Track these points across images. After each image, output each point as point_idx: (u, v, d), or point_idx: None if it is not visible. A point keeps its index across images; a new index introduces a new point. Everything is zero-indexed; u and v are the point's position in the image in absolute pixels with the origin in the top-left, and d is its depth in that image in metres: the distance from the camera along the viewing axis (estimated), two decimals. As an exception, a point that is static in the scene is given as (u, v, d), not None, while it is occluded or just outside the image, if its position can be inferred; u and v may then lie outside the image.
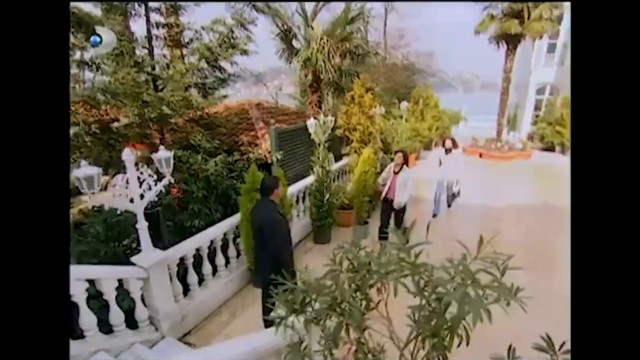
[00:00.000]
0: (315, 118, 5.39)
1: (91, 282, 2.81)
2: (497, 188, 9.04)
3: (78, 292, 2.67)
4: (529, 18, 11.35)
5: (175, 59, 6.30)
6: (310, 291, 1.37)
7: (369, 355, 1.45)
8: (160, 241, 3.53)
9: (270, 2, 7.90)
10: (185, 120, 6.05)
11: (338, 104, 10.02)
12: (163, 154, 3.20)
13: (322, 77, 8.29)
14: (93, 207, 4.76)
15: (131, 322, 3.18)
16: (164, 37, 6.21)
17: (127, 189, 3.00)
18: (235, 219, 4.25)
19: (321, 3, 9.39)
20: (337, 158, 7.63)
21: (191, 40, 6.43)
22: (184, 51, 6.64)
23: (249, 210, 4.02)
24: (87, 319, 2.78)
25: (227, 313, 3.95)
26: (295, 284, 1.44)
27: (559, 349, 1.04)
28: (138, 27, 5.99)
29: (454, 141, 6.53)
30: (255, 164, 4.73)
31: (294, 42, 8.80)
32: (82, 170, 2.54)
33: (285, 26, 8.38)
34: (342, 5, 8.50)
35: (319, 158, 5.45)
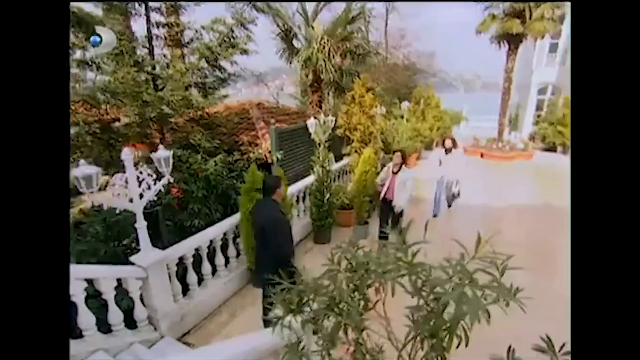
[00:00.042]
0: (315, 118, 5.38)
1: (90, 281, 2.80)
2: (498, 188, 9.01)
3: (76, 291, 2.67)
4: (530, 18, 11.32)
5: (176, 58, 6.29)
6: (308, 291, 1.36)
7: (367, 356, 1.44)
8: (159, 241, 3.52)
9: (271, 2, 7.90)
10: (185, 120, 6.05)
11: (339, 103, 10.01)
12: (162, 154, 3.20)
13: (322, 77, 8.28)
14: (93, 206, 4.77)
15: (130, 322, 3.18)
16: (164, 36, 6.21)
17: (127, 188, 2.99)
18: (235, 218, 4.24)
19: (322, 3, 9.40)
20: (338, 158, 7.61)
21: (191, 39, 6.43)
22: (184, 51, 6.64)
23: (248, 210, 4.02)
24: (86, 318, 2.77)
25: (226, 313, 3.94)
26: (293, 283, 1.43)
27: (559, 351, 1.03)
28: (138, 26, 6.01)
29: (454, 141, 6.50)
30: (255, 163, 4.73)
31: (295, 42, 8.79)
32: (81, 170, 2.54)
33: (285, 26, 8.38)
34: (343, 5, 8.50)
35: (319, 158, 5.44)
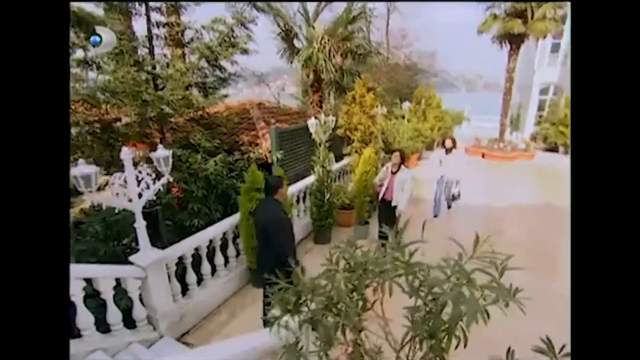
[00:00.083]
0: (316, 118, 5.37)
1: (88, 281, 2.80)
2: (500, 188, 8.98)
3: (75, 291, 2.66)
4: (532, 18, 11.27)
5: (176, 58, 6.29)
6: (305, 291, 1.35)
7: (366, 357, 1.43)
8: (158, 240, 3.51)
9: (272, 2, 7.89)
10: (186, 120, 6.05)
11: (339, 103, 10.00)
12: (161, 153, 3.19)
13: (323, 77, 8.27)
14: (94, 206, 4.77)
15: (129, 322, 3.17)
16: (165, 36, 6.21)
17: (126, 188, 2.99)
18: (234, 218, 4.23)
19: (323, 3, 9.39)
20: (338, 158, 7.60)
21: (192, 39, 6.43)
22: (185, 50, 6.64)
23: (248, 210, 4.01)
24: (84, 318, 2.76)
25: (226, 313, 3.93)
26: (291, 282, 1.42)
27: (559, 352, 1.01)
28: (138, 26, 6.01)
29: (454, 141, 6.46)
30: (256, 163, 4.72)
31: (296, 42, 8.78)
32: (79, 169, 2.53)
33: (286, 26, 8.37)
34: (344, 5, 8.48)
35: (319, 158, 5.42)
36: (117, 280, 3.01)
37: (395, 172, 4.83)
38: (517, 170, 10.84)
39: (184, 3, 6.25)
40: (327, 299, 1.37)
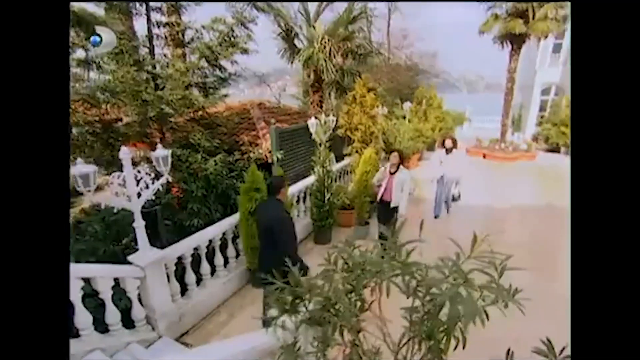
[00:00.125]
0: (316, 118, 5.36)
1: (87, 280, 2.79)
2: (501, 189, 8.95)
3: (73, 290, 2.65)
4: (533, 18, 11.23)
5: (176, 58, 6.29)
6: (302, 291, 1.33)
7: (364, 358, 1.41)
8: (157, 240, 3.50)
9: (272, 2, 7.89)
10: (186, 120, 6.05)
11: (340, 103, 9.98)
12: (161, 153, 3.19)
13: (323, 77, 8.26)
14: (95, 206, 4.77)
15: (128, 322, 3.16)
16: (165, 36, 6.21)
17: (124, 187, 2.98)
18: (234, 218, 4.22)
19: (324, 3, 9.38)
20: (339, 158, 7.59)
21: (192, 39, 6.43)
22: (185, 50, 6.63)
23: (248, 210, 4.00)
24: (83, 317, 2.75)
25: (225, 313, 3.91)
26: (287, 282, 1.40)
27: (560, 354, 0.99)
28: (139, 26, 6.02)
29: (454, 141, 6.40)
30: (256, 163, 4.71)
31: (296, 42, 8.78)
32: (78, 168, 2.53)
33: (286, 26, 8.36)
34: (345, 5, 8.47)
35: (320, 158, 5.41)
36: (116, 280, 3.00)
37: (393, 173, 4.76)
38: (519, 171, 10.80)
39: (184, 3, 6.25)
40: (325, 300, 1.35)
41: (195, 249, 3.77)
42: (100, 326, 2.94)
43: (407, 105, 10.57)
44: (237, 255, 4.39)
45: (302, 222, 5.79)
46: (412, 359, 1.30)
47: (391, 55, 19.71)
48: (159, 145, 3.26)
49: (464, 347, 1.11)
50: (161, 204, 4.04)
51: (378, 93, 8.78)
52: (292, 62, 8.84)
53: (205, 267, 3.89)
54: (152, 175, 3.18)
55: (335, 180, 6.46)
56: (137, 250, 3.24)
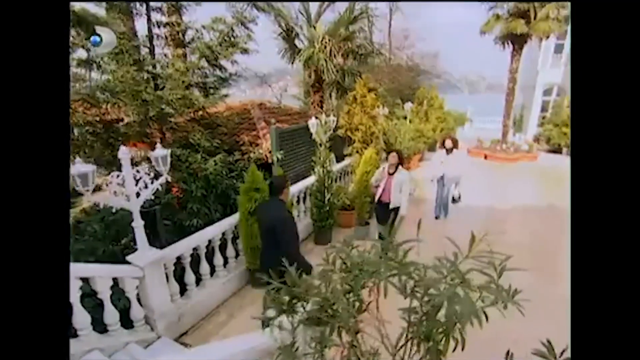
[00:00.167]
0: (316, 118, 5.34)
1: (86, 280, 2.78)
2: (502, 190, 8.91)
3: (72, 290, 2.64)
4: (535, 18, 11.19)
5: (176, 57, 6.29)
6: (298, 291, 1.32)
7: (362, 359, 1.39)
8: (157, 240, 3.50)
9: (273, 2, 7.89)
10: (186, 120, 6.04)
11: (341, 104, 9.97)
12: (160, 152, 3.18)
13: (324, 77, 8.25)
14: (95, 206, 4.77)
15: (126, 322, 3.15)
16: (165, 36, 6.22)
17: (123, 187, 2.97)
18: (234, 218, 4.20)
19: (326, 3, 9.36)
20: (340, 158, 7.57)
21: (192, 39, 6.43)
22: (186, 50, 6.64)
23: (248, 210, 3.99)
24: (81, 317, 2.74)
25: (224, 313, 3.90)
26: (284, 282, 1.39)
27: (560, 356, 0.98)
28: (139, 26, 6.02)
29: (454, 141, 6.33)
30: (256, 163, 4.70)
31: (297, 42, 8.77)
32: (76, 168, 2.53)
33: (287, 26, 8.36)
34: (346, 5, 8.46)
35: (320, 158, 5.39)
36: (115, 280, 2.99)
37: (392, 174, 4.67)
38: (520, 172, 10.77)
39: (184, 3, 6.25)
40: (323, 300, 1.34)
41: (195, 249, 3.76)
42: (99, 326, 2.93)
43: (408, 105, 10.56)
44: (237, 255, 4.38)
45: (302, 223, 5.77)
46: (410, 360, 1.29)
47: (392, 56, 19.68)
48: (158, 145, 3.25)
49: (462, 349, 1.09)
50: (161, 204, 4.03)
51: (379, 93, 8.78)
52: (292, 63, 8.83)
53: (204, 267, 3.88)
54: (152, 175, 3.18)
55: (336, 181, 6.45)
56: (136, 250, 3.23)
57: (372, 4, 8.61)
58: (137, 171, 3.07)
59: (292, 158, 6.67)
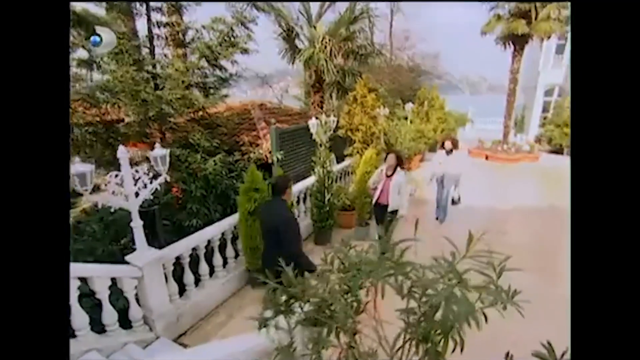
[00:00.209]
0: (317, 118, 5.33)
1: (84, 280, 2.77)
2: (503, 190, 8.88)
3: (70, 290, 2.63)
4: (536, 18, 11.16)
5: (176, 58, 6.29)
6: (295, 291, 1.30)
7: (360, 360, 1.38)
8: (156, 240, 3.49)
9: (273, 2, 7.89)
10: (186, 120, 6.04)
11: (342, 104, 9.96)
12: (158, 152, 3.17)
13: (324, 78, 8.24)
14: (95, 206, 4.76)
15: (125, 322, 3.14)
16: (165, 36, 6.21)
17: (122, 186, 2.96)
18: (233, 218, 4.19)
19: (327, 4, 9.36)
20: (340, 159, 7.55)
21: (192, 39, 6.42)
22: (186, 50, 6.64)
23: (247, 210, 3.97)
24: (79, 317, 2.73)
25: (223, 314, 3.88)
26: (280, 283, 1.37)
27: (561, 358, 0.96)
28: (140, 26, 6.03)
29: (454, 142, 6.27)
30: (256, 164, 4.69)
31: (297, 42, 8.77)
32: (75, 167, 2.52)
33: (287, 26, 8.36)
34: (347, 5, 8.45)
35: (320, 158, 5.38)
36: (113, 280, 2.98)
37: (390, 175, 4.57)
38: (521, 173, 10.73)
39: (184, 3, 6.25)
40: (321, 301, 1.32)
41: (194, 249, 3.74)
42: (97, 326, 2.93)
43: (409, 106, 10.53)
44: (236, 255, 4.37)
45: (302, 223, 5.73)
46: (408, 362, 1.27)
47: (393, 57, 19.66)
48: (157, 145, 3.24)
49: (462, 350, 1.07)
50: (160, 204, 4.02)
51: (379, 94, 8.75)
52: (293, 63, 8.83)
53: (203, 267, 3.87)
54: (151, 174, 3.17)
55: (336, 181, 6.43)
56: (135, 250, 3.22)
57: (372, 4, 8.61)
58: (136, 171, 3.07)
59: (292, 158, 6.66)
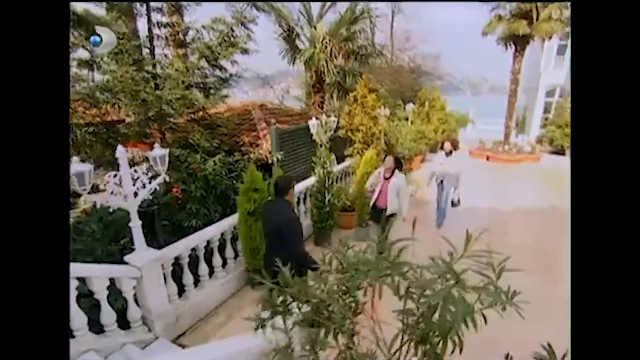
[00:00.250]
0: (317, 118, 5.32)
1: (82, 280, 2.76)
2: (505, 191, 8.85)
3: (68, 290, 2.62)
4: (537, 19, 11.14)
5: (176, 58, 6.29)
6: (292, 292, 1.29)
7: (358, 361, 1.36)
8: (155, 240, 3.48)
9: (273, 2, 7.90)
10: (186, 120, 6.04)
11: (342, 105, 9.96)
12: (158, 152, 3.16)
13: (325, 78, 8.24)
14: (95, 206, 4.76)
15: (123, 322, 3.13)
16: (166, 36, 6.22)
17: (121, 186, 2.96)
18: (233, 219, 4.18)
19: (327, 4, 9.37)
20: (340, 159, 7.54)
21: (192, 39, 6.43)
22: (186, 50, 6.64)
23: (247, 211, 3.96)
24: (77, 318, 2.72)
25: (223, 314, 3.87)
26: (277, 283, 1.36)
27: (562, 359, 0.94)
28: (140, 26, 6.03)
29: (453, 143, 6.21)
30: (256, 164, 4.68)
31: (298, 43, 8.77)
32: (73, 167, 2.52)
33: (287, 26, 8.36)
34: (347, 5, 8.45)
35: (320, 159, 5.36)
36: (112, 280, 2.97)
37: (388, 178, 4.47)
38: (523, 173, 10.70)
39: (184, 3, 6.26)
40: (319, 301, 1.31)
41: (194, 249, 3.73)
42: (95, 327, 2.91)
43: (410, 106, 10.51)
44: (236, 256, 4.35)
45: (302, 224, 5.72)
46: (407, 364, 1.26)
47: (394, 57, 19.65)
48: (157, 145, 3.24)
49: (460, 352, 1.06)
50: (159, 204, 4.01)
51: (380, 94, 8.73)
52: (293, 63, 8.83)
53: (203, 267, 3.86)
54: (150, 174, 3.16)
55: (336, 182, 6.42)
56: (134, 250, 3.21)
57: (372, 5, 8.61)
58: (135, 171, 3.06)
59: (292, 159, 6.64)
